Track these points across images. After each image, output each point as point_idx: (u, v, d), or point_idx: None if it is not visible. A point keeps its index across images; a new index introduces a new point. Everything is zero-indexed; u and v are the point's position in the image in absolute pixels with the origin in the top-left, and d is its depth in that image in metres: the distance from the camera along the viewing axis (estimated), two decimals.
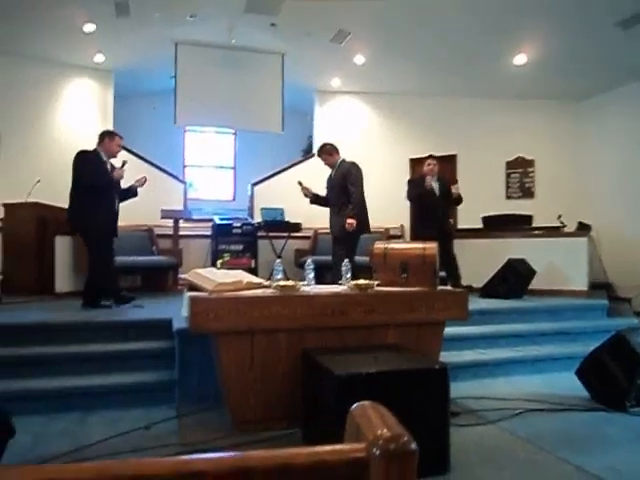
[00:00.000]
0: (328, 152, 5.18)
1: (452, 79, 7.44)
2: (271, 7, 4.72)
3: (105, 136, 4.71)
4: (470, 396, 3.38)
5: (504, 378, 3.88)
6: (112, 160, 4.70)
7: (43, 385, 3.18)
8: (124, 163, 4.72)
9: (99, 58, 6.91)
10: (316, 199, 5.30)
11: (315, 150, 8.08)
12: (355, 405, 0.72)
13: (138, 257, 6.27)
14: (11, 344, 3.47)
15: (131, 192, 4.89)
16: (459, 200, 5.79)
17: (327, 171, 5.24)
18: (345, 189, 4.99)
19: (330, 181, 5.20)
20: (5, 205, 5.77)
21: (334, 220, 5.10)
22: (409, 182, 6.06)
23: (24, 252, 5.55)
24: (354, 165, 5.10)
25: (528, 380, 3.86)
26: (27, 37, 6.13)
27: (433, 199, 5.66)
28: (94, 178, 4.42)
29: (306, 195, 5.23)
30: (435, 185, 5.69)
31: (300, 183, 5.20)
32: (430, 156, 5.86)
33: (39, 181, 5.55)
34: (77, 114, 7.06)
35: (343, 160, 5.18)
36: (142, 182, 4.87)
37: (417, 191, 5.72)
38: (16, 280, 5.32)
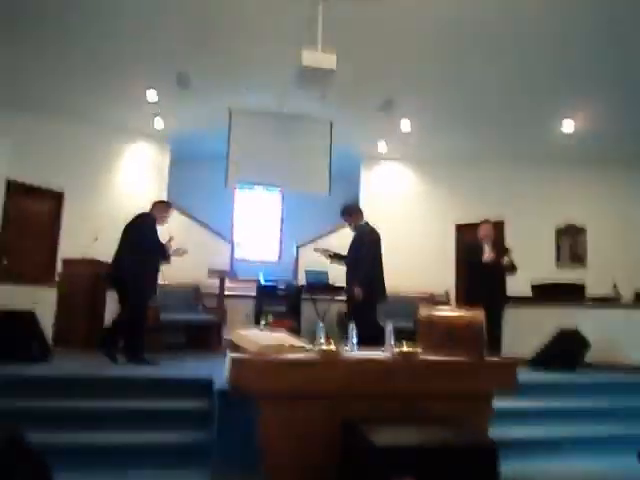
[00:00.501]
0: (349, 213, 5.24)
1: (499, 145, 7.47)
2: (321, 81, 4.95)
3: (159, 206, 5.06)
4: (522, 477, 3.16)
5: (558, 459, 3.61)
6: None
7: (84, 440, 3.20)
8: (171, 239, 4.95)
9: (159, 125, 7.37)
10: (336, 256, 5.34)
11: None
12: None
13: (184, 314, 6.38)
14: (57, 396, 3.54)
15: (165, 256, 4.98)
16: (511, 269, 5.53)
17: (377, 228, 5.31)
18: (358, 253, 4.98)
19: (351, 243, 5.22)
20: (64, 260, 6.06)
21: (347, 280, 5.12)
22: (465, 248, 6.07)
23: (78, 305, 5.77)
24: (371, 231, 5.11)
25: (585, 461, 3.58)
26: (93, 102, 6.64)
27: (486, 267, 5.46)
28: (158, 242, 4.77)
29: (327, 256, 5.32)
30: (488, 250, 5.53)
31: (316, 249, 5.39)
32: (486, 221, 5.74)
33: (97, 239, 5.83)
34: (135, 176, 7.48)
35: (365, 224, 5.20)
36: (180, 253, 5.03)
37: (472, 259, 5.64)
38: (68, 332, 5.49)
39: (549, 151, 7.43)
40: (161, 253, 4.81)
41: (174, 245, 4.96)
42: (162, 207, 5.07)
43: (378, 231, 5.16)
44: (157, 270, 4.87)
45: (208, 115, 7.40)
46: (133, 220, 4.83)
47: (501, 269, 5.46)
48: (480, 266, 5.45)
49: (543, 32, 4.98)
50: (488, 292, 5.32)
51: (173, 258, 4.99)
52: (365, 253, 4.94)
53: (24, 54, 5.44)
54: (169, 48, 5.47)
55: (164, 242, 4.86)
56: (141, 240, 4.70)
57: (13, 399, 3.42)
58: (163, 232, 4.94)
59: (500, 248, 5.65)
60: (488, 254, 5.42)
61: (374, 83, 6.13)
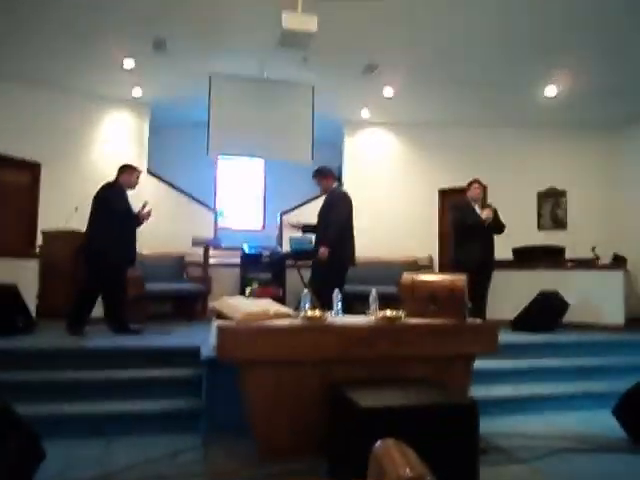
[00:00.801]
0: (321, 174, 5.01)
1: (482, 110, 7.45)
2: (302, 42, 4.85)
3: (124, 170, 4.91)
4: (501, 433, 3.28)
5: (536, 415, 3.76)
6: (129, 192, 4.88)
7: (74, 410, 3.24)
8: (145, 204, 4.87)
9: (137, 92, 7.19)
10: (306, 228, 5.21)
11: (343, 180, 8.17)
12: (378, 443, 0.72)
13: (169, 284, 6.38)
14: (44, 368, 3.56)
15: (138, 222, 4.91)
16: (496, 227, 5.37)
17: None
18: (328, 216, 4.84)
19: (320, 208, 5.06)
20: (44, 232, 5.98)
21: (315, 242, 5.03)
22: (454, 208, 5.66)
23: (60, 277, 5.72)
24: (343, 195, 4.96)
25: (562, 418, 3.73)
26: (68, 71, 6.43)
27: (479, 228, 5.27)
28: (128, 209, 4.67)
29: (299, 229, 5.22)
30: (478, 210, 5.40)
31: (289, 224, 5.30)
32: (476, 181, 5.55)
33: (77, 209, 5.74)
34: (114, 145, 7.32)
35: (336, 188, 5.06)
36: (146, 217, 4.87)
37: (465, 219, 5.36)
38: (51, 305, 5.47)
39: (532, 115, 7.43)
40: (134, 220, 4.73)
41: (147, 209, 4.85)
42: (128, 172, 4.90)
43: (350, 196, 5.00)
44: (133, 238, 4.77)
45: (188, 81, 7.23)
46: (100, 191, 4.71)
47: (490, 230, 5.36)
48: (476, 227, 5.26)
49: None
50: (484, 253, 5.29)
51: (154, 225, 4.93)
52: (335, 216, 4.77)
53: None
54: (146, 13, 5.29)
55: (137, 208, 4.77)
56: (111, 210, 4.60)
57: None
58: (138, 196, 4.87)
59: (488, 208, 5.47)
60: (487, 213, 5.24)
61: (356, 47, 6.02)
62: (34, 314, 4.94)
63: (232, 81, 7.30)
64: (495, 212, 5.38)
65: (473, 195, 5.47)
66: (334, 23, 5.23)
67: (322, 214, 4.98)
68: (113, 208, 4.61)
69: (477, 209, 5.41)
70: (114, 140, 7.36)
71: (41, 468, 2.29)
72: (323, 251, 4.71)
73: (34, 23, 5.34)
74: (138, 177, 5.00)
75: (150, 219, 4.93)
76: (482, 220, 5.25)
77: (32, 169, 6.65)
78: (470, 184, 5.54)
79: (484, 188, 5.57)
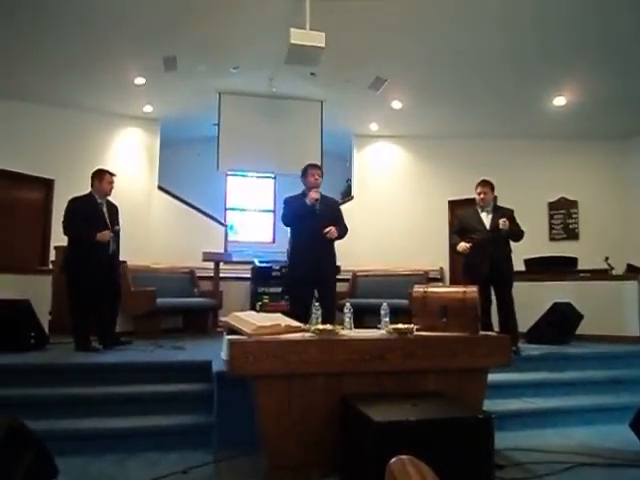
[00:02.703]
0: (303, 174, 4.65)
1: (490, 121, 7.45)
2: (310, 59, 4.90)
3: (94, 178, 4.70)
4: (517, 448, 3.22)
5: (552, 429, 3.69)
6: (109, 197, 4.79)
7: (86, 426, 3.23)
8: (117, 229, 4.74)
9: (147, 108, 7.29)
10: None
11: (353, 193, 8.18)
12: (394, 459, 0.71)
13: (179, 299, 6.40)
14: (57, 385, 3.57)
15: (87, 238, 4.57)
16: (512, 235, 4.76)
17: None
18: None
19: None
20: (56, 247, 6.03)
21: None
22: (455, 216, 5.18)
23: None
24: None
25: (578, 431, 3.66)
26: (81, 89, 6.54)
27: (483, 234, 4.76)
28: (78, 231, 4.50)
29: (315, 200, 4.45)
30: (487, 217, 4.82)
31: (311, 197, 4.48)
32: (479, 183, 4.96)
33: None
34: (126, 161, 7.40)
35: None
36: (104, 236, 4.55)
37: (461, 227, 4.92)
38: (64, 320, 5.49)
39: (541, 126, 7.41)
40: (82, 236, 4.48)
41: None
42: (98, 178, 4.68)
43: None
44: (91, 252, 4.45)
45: (197, 98, 7.33)
46: (66, 206, 4.63)
47: (502, 238, 4.75)
48: (479, 235, 4.75)
49: (531, 6, 4.93)
50: (494, 264, 4.68)
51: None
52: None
53: (9, 41, 5.34)
54: (155, 32, 5.39)
55: (98, 237, 4.47)
56: (65, 229, 4.52)
57: (11, 388, 3.45)
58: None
59: (504, 212, 4.83)
60: (502, 223, 4.59)
61: (363, 62, 6.07)
62: (47, 330, 4.97)
63: (241, 97, 7.38)
64: (511, 217, 4.78)
65: (478, 200, 4.92)
66: (342, 38, 5.28)
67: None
68: (65, 222, 4.52)
69: (485, 216, 4.85)
70: (126, 156, 7.46)
71: None
72: (332, 229, 4.32)
73: (48, 44, 5.46)
74: (111, 182, 4.73)
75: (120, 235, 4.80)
76: (489, 228, 4.73)
77: (46, 185, 6.75)
78: (479, 185, 4.98)
79: (492, 189, 4.92)
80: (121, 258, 5.06)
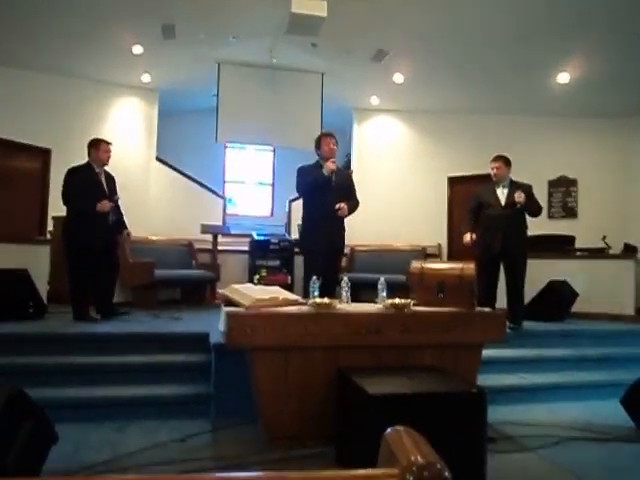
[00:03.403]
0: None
1: (492, 97, 7.36)
2: (311, 29, 4.81)
3: (91, 147, 4.67)
4: (508, 422, 3.29)
5: (544, 404, 3.76)
6: (106, 167, 4.75)
7: (86, 394, 3.28)
8: (116, 199, 4.70)
9: (146, 78, 7.18)
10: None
11: (352, 167, 8.13)
12: (389, 430, 0.73)
13: (177, 270, 6.42)
14: (56, 353, 3.60)
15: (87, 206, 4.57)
16: (530, 209, 4.69)
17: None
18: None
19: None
20: (54, 218, 6.02)
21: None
22: (474, 194, 5.03)
23: None
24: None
25: (570, 407, 3.73)
26: (78, 57, 6.43)
27: (497, 210, 4.70)
28: (77, 202, 4.46)
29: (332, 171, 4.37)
30: (502, 192, 4.74)
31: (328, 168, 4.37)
32: (495, 157, 4.89)
33: None
34: (124, 131, 7.32)
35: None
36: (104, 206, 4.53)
37: (479, 202, 4.84)
38: (62, 290, 5.51)
39: (543, 103, 7.33)
40: (82, 207, 4.45)
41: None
42: (94, 147, 4.63)
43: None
44: (90, 223, 4.43)
45: (197, 68, 7.21)
46: (64, 176, 4.59)
47: (521, 212, 4.70)
48: (492, 210, 4.72)
49: None
50: (506, 240, 4.62)
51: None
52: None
53: (5, 10, 5.22)
54: None
55: (97, 208, 4.44)
56: (64, 195, 4.49)
57: (11, 357, 3.48)
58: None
59: (519, 186, 4.76)
60: (517, 196, 4.54)
61: (366, 33, 5.96)
62: (45, 299, 4.99)
63: (241, 68, 7.27)
64: (529, 192, 4.71)
65: (492, 176, 4.87)
66: (344, 8, 5.18)
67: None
68: (64, 193, 4.49)
69: (500, 191, 4.77)
70: (124, 126, 7.37)
71: (53, 451, 2.32)
72: (343, 206, 4.29)
73: (45, 11, 5.34)
74: (107, 151, 4.70)
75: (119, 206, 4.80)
76: (504, 203, 4.68)
77: (43, 155, 6.68)
78: (493, 160, 4.94)
79: (506, 164, 4.83)
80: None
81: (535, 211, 4.78)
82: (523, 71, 6.52)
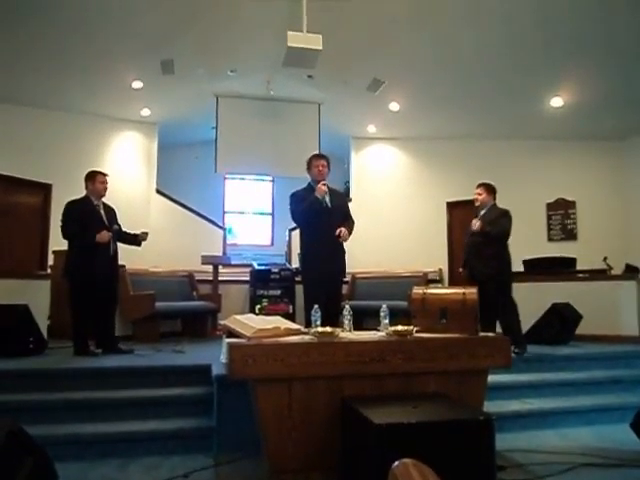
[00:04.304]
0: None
1: (488, 123, 7.47)
2: (308, 61, 4.90)
3: (87, 180, 4.70)
4: (517, 449, 3.22)
5: (553, 430, 3.69)
6: (104, 199, 4.77)
7: (86, 430, 3.22)
8: (116, 229, 4.71)
9: (145, 112, 7.29)
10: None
11: (352, 195, 8.18)
12: (397, 463, 0.71)
13: (178, 302, 6.39)
14: (56, 389, 3.55)
15: (135, 241, 4.90)
16: (488, 235, 4.70)
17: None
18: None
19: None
20: (55, 252, 6.02)
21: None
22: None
23: None
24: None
25: (579, 432, 3.66)
26: (78, 93, 6.54)
27: (468, 237, 4.89)
28: (77, 235, 4.48)
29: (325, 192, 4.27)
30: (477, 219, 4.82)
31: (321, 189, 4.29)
32: (479, 184, 5.01)
33: None
34: (124, 164, 7.40)
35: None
36: (144, 238, 4.88)
37: (467, 231, 4.94)
38: (63, 325, 5.48)
39: (539, 127, 7.42)
40: (81, 238, 4.46)
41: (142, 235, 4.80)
42: (91, 180, 4.67)
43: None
44: (91, 256, 4.45)
45: (195, 101, 7.34)
46: (63, 209, 4.64)
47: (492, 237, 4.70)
48: (473, 237, 4.79)
49: (530, 7, 4.94)
50: (481, 265, 4.72)
51: (164, 244, 4.87)
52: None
53: (6, 44, 5.34)
54: (153, 35, 5.40)
55: (97, 238, 4.46)
56: (63, 230, 4.52)
57: (10, 393, 3.43)
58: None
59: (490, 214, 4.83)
60: (476, 224, 4.68)
61: (361, 64, 6.09)
62: (46, 334, 4.95)
63: (239, 100, 7.39)
64: (496, 218, 4.77)
65: (475, 202, 5.00)
66: (339, 39, 5.29)
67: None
68: (63, 226, 4.52)
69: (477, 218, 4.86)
70: (124, 159, 7.46)
71: None
72: (344, 231, 4.17)
73: (47, 48, 5.46)
74: (103, 182, 4.71)
75: (148, 239, 4.90)
76: (472, 231, 4.76)
77: (43, 189, 6.74)
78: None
79: (488, 191, 4.92)
80: (120, 262, 5.04)
81: (494, 235, 4.70)
82: (518, 96, 6.63)
